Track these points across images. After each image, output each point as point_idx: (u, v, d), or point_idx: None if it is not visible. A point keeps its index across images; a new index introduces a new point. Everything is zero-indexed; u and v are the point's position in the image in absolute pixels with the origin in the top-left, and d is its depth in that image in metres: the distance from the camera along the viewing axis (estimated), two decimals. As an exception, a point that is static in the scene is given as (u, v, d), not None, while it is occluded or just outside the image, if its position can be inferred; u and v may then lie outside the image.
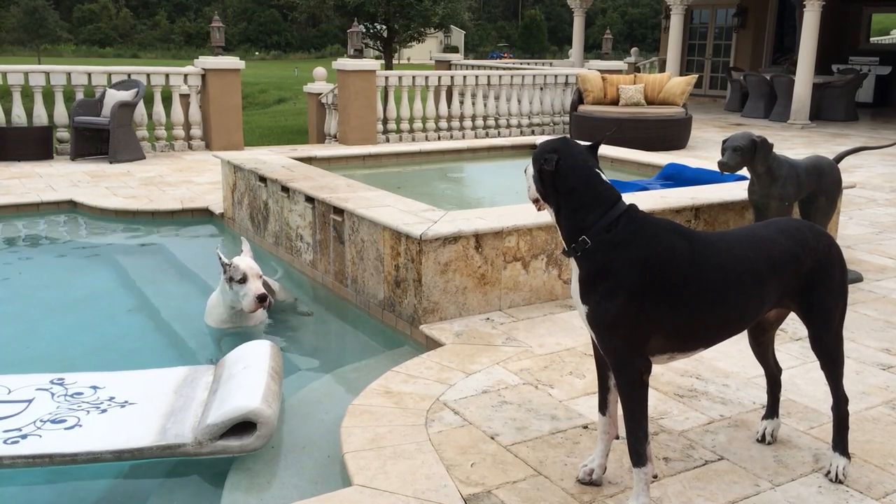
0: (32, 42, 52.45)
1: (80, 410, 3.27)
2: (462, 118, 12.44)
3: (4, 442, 3.01)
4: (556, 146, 2.49)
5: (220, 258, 4.42)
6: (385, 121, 11.68)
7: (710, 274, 2.50)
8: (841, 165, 5.03)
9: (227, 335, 4.47)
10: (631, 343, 2.44)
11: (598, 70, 13.09)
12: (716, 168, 4.77)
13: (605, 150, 7.56)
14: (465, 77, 12.46)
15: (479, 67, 16.62)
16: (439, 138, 12.01)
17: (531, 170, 2.55)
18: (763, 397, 3.17)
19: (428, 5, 21.93)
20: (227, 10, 64.04)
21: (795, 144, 11.64)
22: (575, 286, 2.52)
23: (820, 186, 4.75)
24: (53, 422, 3.17)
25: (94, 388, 3.47)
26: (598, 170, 2.50)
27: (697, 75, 14.41)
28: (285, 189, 5.60)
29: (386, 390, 3.40)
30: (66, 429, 3.12)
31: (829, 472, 2.77)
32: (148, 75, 10.31)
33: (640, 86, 11.88)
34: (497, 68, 15.77)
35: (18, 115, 9.72)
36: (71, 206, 7.25)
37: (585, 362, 3.71)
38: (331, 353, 4.45)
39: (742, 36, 19.37)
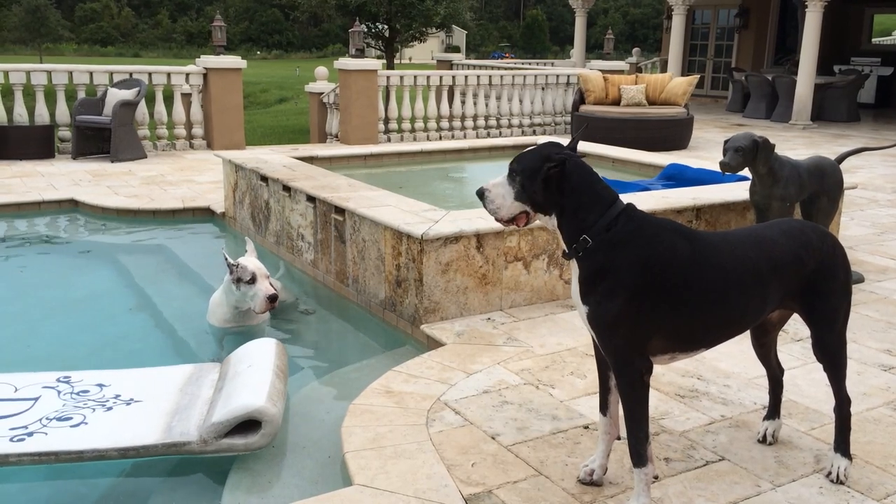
0: (34, 41, 52.50)
1: (86, 408, 3.28)
2: (463, 118, 12.43)
3: (11, 440, 3.02)
4: (550, 151, 2.42)
5: (226, 259, 4.43)
6: (386, 120, 11.68)
7: (711, 274, 2.49)
8: (842, 166, 5.02)
9: (230, 334, 4.48)
10: (631, 343, 2.44)
11: (600, 70, 13.09)
12: (717, 168, 4.77)
13: (606, 150, 7.57)
14: (466, 77, 12.46)
15: (480, 67, 16.62)
16: (441, 138, 12.01)
17: (500, 188, 2.43)
18: (764, 398, 3.17)
19: (430, 5, 21.94)
20: (228, 9, 64.04)
21: (797, 145, 11.63)
22: (575, 287, 2.51)
23: (822, 187, 4.74)
24: (59, 419, 3.18)
25: (100, 385, 3.48)
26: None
27: (699, 76, 14.42)
28: (287, 188, 5.60)
29: (387, 390, 3.40)
30: (71, 426, 3.13)
31: (830, 473, 2.77)
32: (150, 74, 10.32)
33: (641, 86, 11.88)
34: (498, 68, 15.77)
35: (20, 114, 9.73)
36: (72, 205, 7.25)
37: (586, 362, 3.71)
38: (332, 352, 4.45)
39: (744, 36, 19.36)
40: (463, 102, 12.57)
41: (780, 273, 2.62)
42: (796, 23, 17.21)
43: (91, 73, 10.08)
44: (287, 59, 63.13)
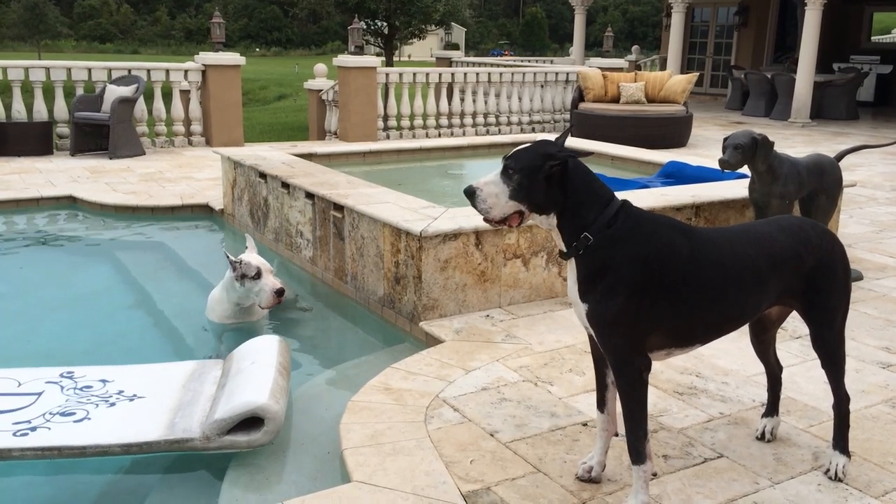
0: (33, 38, 52.42)
1: (90, 404, 3.28)
2: (463, 115, 12.43)
3: (14, 434, 3.03)
4: (549, 149, 2.37)
5: (228, 256, 4.43)
6: (385, 118, 11.67)
7: (709, 270, 2.49)
8: (842, 164, 5.02)
9: (229, 330, 4.48)
10: (631, 340, 2.43)
11: (599, 68, 13.08)
12: (716, 166, 4.77)
13: (606, 147, 7.56)
14: (465, 74, 12.45)
15: (479, 65, 16.60)
16: (440, 135, 12.00)
17: (493, 187, 2.35)
18: (762, 395, 3.17)
19: (429, 2, 21.92)
20: (227, 6, 63.98)
21: (796, 143, 11.63)
22: (573, 286, 2.49)
23: (821, 185, 4.74)
24: (62, 415, 3.19)
25: (104, 381, 3.49)
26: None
27: (698, 73, 14.41)
28: (285, 185, 5.60)
29: (385, 387, 3.40)
30: (74, 422, 3.13)
31: (828, 471, 2.77)
32: (148, 71, 10.30)
33: (640, 84, 11.87)
34: (498, 66, 15.76)
35: (18, 111, 9.72)
36: (71, 202, 7.25)
37: (585, 359, 3.71)
38: (330, 349, 4.45)
39: (743, 34, 19.35)
40: (462, 100, 12.56)
41: (778, 269, 2.62)
42: (796, 21, 17.20)
43: (90, 70, 10.07)
44: (286, 56, 63.08)
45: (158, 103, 10.43)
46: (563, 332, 4.06)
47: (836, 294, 2.73)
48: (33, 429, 3.07)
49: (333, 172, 5.79)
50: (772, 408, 3.06)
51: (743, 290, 2.55)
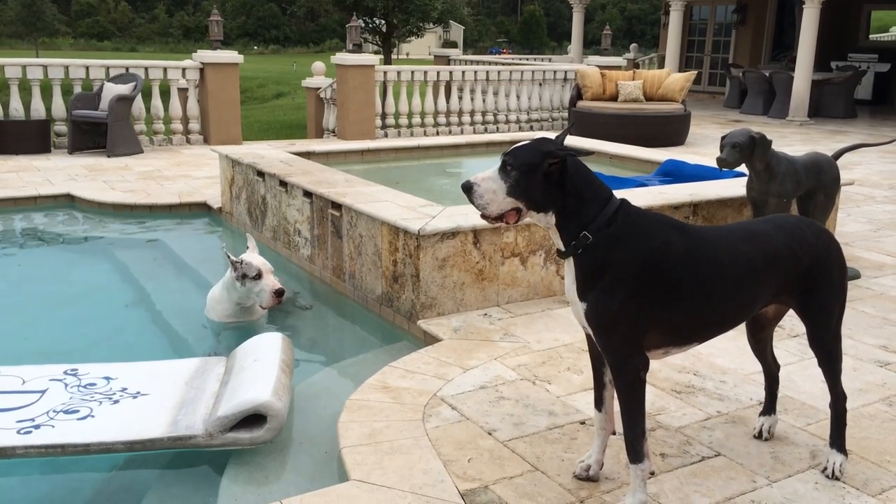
0: (30, 35, 52.31)
1: (93, 401, 3.29)
2: (461, 113, 12.42)
3: (18, 432, 3.04)
4: (548, 146, 2.37)
5: (229, 256, 4.43)
6: (384, 116, 11.66)
7: (706, 268, 2.49)
8: (839, 162, 5.03)
9: (228, 329, 4.48)
10: (630, 339, 2.43)
11: (598, 66, 13.08)
12: (714, 164, 4.77)
13: (604, 146, 7.56)
14: (463, 72, 12.45)
15: (477, 63, 16.60)
16: (438, 133, 12.00)
17: (490, 183, 2.33)
18: (760, 394, 3.18)
19: (427, 0, 21.89)
20: (225, 4, 63.87)
21: (794, 141, 11.64)
22: (571, 285, 2.49)
23: (818, 183, 4.75)
24: (66, 412, 3.20)
25: (107, 379, 3.50)
26: None
27: (696, 72, 14.40)
28: (283, 184, 5.60)
29: (383, 385, 3.40)
30: (78, 419, 3.14)
31: (825, 469, 2.78)
32: (146, 69, 10.29)
33: (639, 82, 11.87)
34: (496, 64, 15.75)
35: (16, 109, 9.70)
36: (68, 200, 7.24)
37: (583, 358, 3.71)
38: (328, 347, 4.45)
39: (741, 32, 19.35)
40: (460, 98, 12.55)
41: (774, 267, 2.62)
42: (794, 19, 17.22)
43: (87, 68, 10.06)
44: (284, 55, 63.00)
45: (156, 101, 10.42)
46: (561, 331, 4.07)
47: (833, 292, 2.74)
48: (37, 426, 3.08)
49: (331, 171, 5.79)
50: (769, 406, 3.06)
51: (739, 287, 2.55)
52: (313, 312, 4.89)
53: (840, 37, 18.29)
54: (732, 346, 3.78)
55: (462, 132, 12.23)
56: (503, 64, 15.32)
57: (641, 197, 4.88)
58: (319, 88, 12.34)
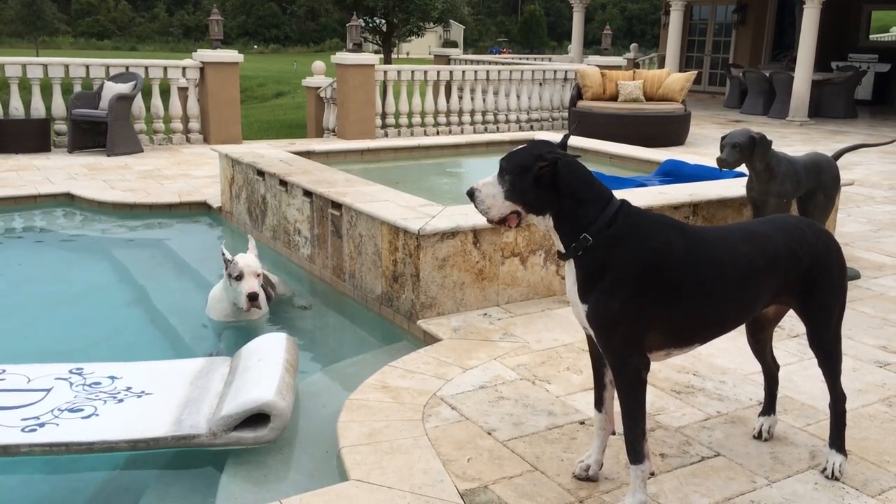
0: (30, 34, 52.30)
1: (98, 400, 3.30)
2: (461, 113, 12.42)
3: (23, 430, 3.05)
4: (541, 149, 2.38)
5: (224, 254, 4.44)
6: (384, 115, 11.66)
7: (706, 269, 2.49)
8: (839, 163, 5.03)
9: (228, 328, 4.48)
10: (631, 340, 2.43)
11: (598, 66, 13.08)
12: (714, 164, 4.77)
13: (604, 146, 7.56)
14: (463, 72, 12.44)
15: (478, 62, 16.59)
16: (438, 133, 11.99)
17: (490, 188, 2.39)
18: (760, 394, 3.18)
19: (427, 0, 21.90)
20: (225, 3, 63.85)
21: (794, 141, 11.64)
22: (572, 287, 2.49)
23: (818, 183, 4.75)
24: (71, 411, 3.21)
25: (112, 378, 3.51)
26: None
27: (697, 72, 14.39)
28: (283, 183, 5.59)
29: (383, 385, 3.40)
30: (83, 418, 3.15)
31: (825, 469, 2.78)
32: (146, 68, 10.28)
33: (639, 82, 11.87)
34: (496, 63, 15.75)
35: (16, 108, 9.70)
36: (68, 199, 7.24)
37: (582, 358, 3.71)
38: (328, 347, 4.45)
39: (742, 32, 19.34)
40: (460, 98, 12.55)
41: (774, 268, 2.62)
42: (794, 19, 17.21)
43: (87, 67, 10.05)
44: (284, 54, 62.99)
45: (156, 100, 10.41)
46: (561, 331, 4.07)
47: (832, 293, 2.74)
48: (42, 425, 3.09)
49: (331, 170, 5.79)
50: (769, 406, 3.06)
51: (740, 288, 2.56)
52: (313, 312, 4.89)
53: (840, 37, 18.29)
54: (732, 347, 3.78)
55: (462, 132, 12.22)
56: (503, 64, 15.31)
57: (641, 197, 4.88)
58: (319, 88, 12.34)
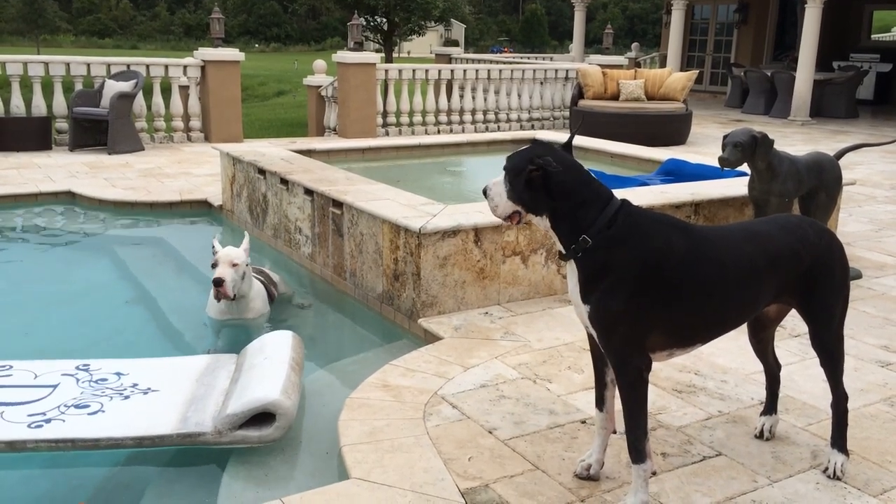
0: (31, 32, 52.29)
1: (104, 396, 3.31)
2: (462, 112, 12.41)
3: (29, 426, 3.05)
4: (538, 152, 2.41)
5: (213, 247, 4.43)
6: (385, 114, 11.65)
7: (708, 268, 2.49)
8: (841, 162, 5.02)
9: (227, 326, 4.47)
10: (632, 340, 2.43)
11: (599, 65, 13.07)
12: (716, 164, 4.76)
13: (605, 145, 7.56)
14: (465, 71, 12.44)
15: (479, 61, 16.58)
16: (439, 132, 11.99)
17: (498, 187, 2.46)
18: (761, 393, 3.17)
19: (428, -1, 21.90)
20: (226, 1, 63.76)
21: (796, 141, 11.63)
22: (574, 287, 2.49)
23: (820, 183, 4.74)
24: (77, 407, 3.22)
25: (118, 374, 3.52)
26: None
27: (698, 71, 14.39)
28: (284, 181, 5.59)
29: (384, 384, 3.39)
30: (89, 414, 3.16)
31: (826, 469, 2.77)
32: (147, 66, 10.28)
33: (640, 81, 11.86)
34: (497, 62, 15.74)
35: (17, 106, 9.69)
36: (69, 197, 7.23)
37: (584, 357, 3.70)
38: (329, 345, 4.44)
39: (743, 32, 19.33)
40: (461, 96, 12.54)
41: (776, 267, 2.62)
42: (795, 19, 17.19)
43: (88, 65, 10.05)
44: (285, 52, 62.96)
45: (157, 99, 10.41)
46: (562, 330, 4.06)
47: (835, 292, 2.74)
48: (48, 420, 3.10)
49: (332, 169, 5.79)
50: (770, 406, 3.06)
51: (742, 288, 2.55)
52: (313, 311, 4.89)
53: (842, 37, 18.27)
54: (733, 346, 3.78)
55: (463, 131, 12.22)
56: (504, 63, 15.30)
57: (643, 196, 4.87)
58: (320, 86, 12.33)
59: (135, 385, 3.41)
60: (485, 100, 12.64)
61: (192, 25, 67.27)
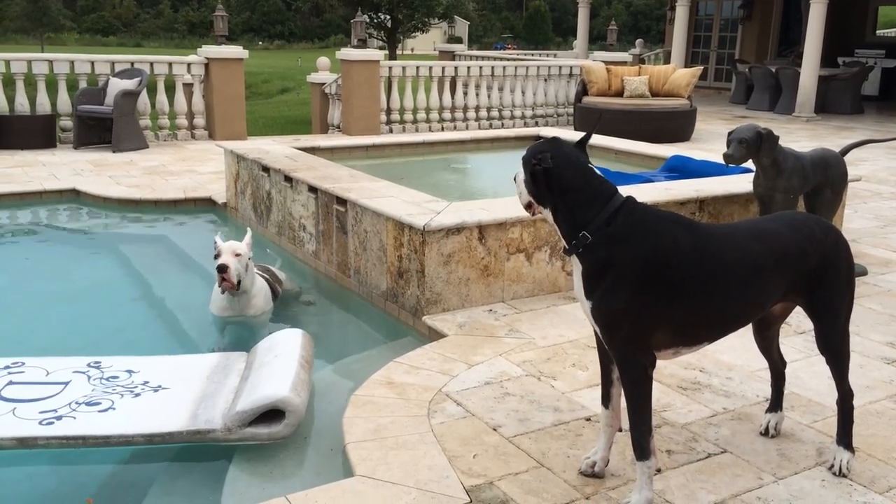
0: (36, 30, 52.36)
1: (115, 394, 3.32)
2: (466, 109, 12.40)
3: (40, 423, 3.07)
4: (545, 147, 2.48)
5: (216, 242, 4.42)
6: (388, 111, 11.64)
7: (714, 267, 2.48)
8: (846, 158, 5.00)
9: (231, 324, 4.47)
10: (636, 338, 2.43)
11: (603, 61, 13.05)
12: (721, 160, 4.75)
13: (610, 141, 7.54)
14: (468, 68, 12.42)
15: (483, 58, 16.56)
16: (443, 129, 11.98)
17: (522, 175, 2.54)
18: (766, 390, 3.16)
19: (432, -4, 21.88)
20: (230, -1, 63.85)
21: (801, 137, 11.60)
22: (578, 283, 2.51)
23: (825, 179, 4.73)
24: (88, 404, 3.23)
25: (129, 372, 3.53)
26: (590, 165, 2.48)
27: (702, 67, 14.34)
28: (288, 179, 5.59)
29: (388, 381, 3.39)
30: (100, 411, 3.17)
31: (832, 466, 2.77)
32: (151, 64, 10.29)
33: (644, 77, 11.83)
34: (501, 59, 15.72)
35: (21, 104, 9.70)
36: (74, 195, 7.24)
37: (588, 354, 3.70)
38: (333, 343, 4.44)
39: (748, 28, 19.27)
40: (465, 93, 12.53)
41: (783, 266, 2.61)
42: (800, 14, 17.12)
43: (93, 63, 10.05)
44: (289, 50, 62.95)
45: (161, 96, 10.42)
46: (567, 327, 4.06)
47: (841, 290, 2.73)
48: (59, 417, 3.12)
49: (336, 166, 5.78)
50: (775, 403, 3.05)
51: (749, 286, 2.54)
52: (318, 308, 4.89)
53: (847, 32, 18.21)
54: (738, 343, 3.77)
55: (467, 128, 12.21)
56: (508, 60, 15.28)
57: (647, 193, 4.86)
58: (324, 84, 12.33)
59: (146, 382, 3.43)
60: (488, 97, 12.62)
61: (195, 23, 67.29)
